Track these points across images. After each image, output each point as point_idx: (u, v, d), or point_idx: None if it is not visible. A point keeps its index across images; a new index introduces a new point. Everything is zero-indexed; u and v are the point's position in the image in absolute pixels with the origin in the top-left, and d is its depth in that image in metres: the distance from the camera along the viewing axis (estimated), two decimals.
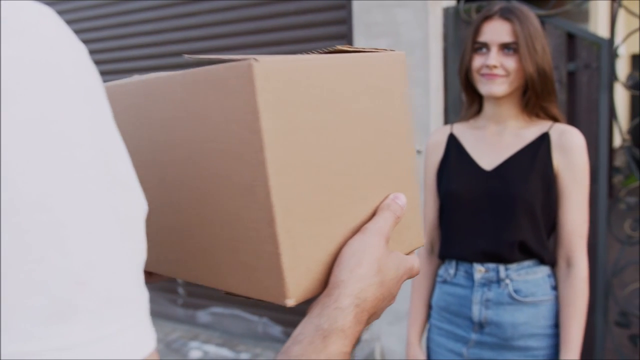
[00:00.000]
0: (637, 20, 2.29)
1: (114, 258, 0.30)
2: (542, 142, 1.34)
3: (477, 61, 1.34)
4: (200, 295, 3.54)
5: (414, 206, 0.59)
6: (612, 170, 2.57)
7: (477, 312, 1.35)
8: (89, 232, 0.29)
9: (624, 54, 8.99)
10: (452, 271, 1.41)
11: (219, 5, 3.31)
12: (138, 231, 0.33)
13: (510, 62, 1.30)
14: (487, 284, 1.35)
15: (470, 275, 1.38)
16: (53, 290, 0.28)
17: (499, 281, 1.34)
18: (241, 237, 0.49)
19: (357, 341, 0.49)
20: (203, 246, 0.53)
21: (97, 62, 3.79)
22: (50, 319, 0.28)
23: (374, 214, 0.54)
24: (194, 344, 3.36)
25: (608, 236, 2.59)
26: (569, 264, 1.33)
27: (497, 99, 1.35)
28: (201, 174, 0.51)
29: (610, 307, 2.63)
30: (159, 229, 0.56)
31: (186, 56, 0.50)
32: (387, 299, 0.52)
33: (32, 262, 0.27)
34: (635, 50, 8.83)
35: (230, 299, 2.84)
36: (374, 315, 0.51)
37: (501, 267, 1.33)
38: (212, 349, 3.29)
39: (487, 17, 1.33)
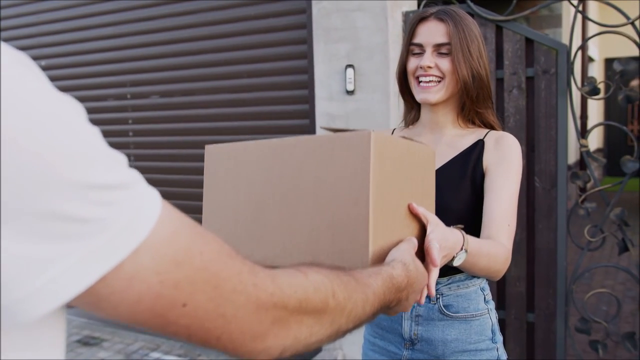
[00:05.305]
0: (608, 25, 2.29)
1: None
2: (475, 148, 1.30)
3: (412, 63, 1.29)
4: None
5: None
6: (573, 176, 2.55)
7: (407, 328, 1.30)
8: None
9: (597, 58, 9.07)
10: None
11: (177, 10, 3.26)
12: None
13: (445, 64, 1.25)
14: None
15: None
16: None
17: (429, 296, 1.29)
18: (341, 232, 0.79)
19: (394, 303, 0.75)
20: (309, 240, 0.82)
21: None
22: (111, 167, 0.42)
23: (413, 234, 0.91)
24: (155, 354, 3.30)
25: (568, 242, 2.58)
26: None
27: (432, 105, 1.31)
28: (317, 192, 0.82)
29: (571, 313, 2.61)
30: (273, 230, 0.85)
31: (321, 127, 1.12)
32: (415, 285, 0.79)
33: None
34: (608, 54, 8.92)
35: None
36: (409, 286, 0.77)
37: None
38: None
39: (423, 19, 1.29)
